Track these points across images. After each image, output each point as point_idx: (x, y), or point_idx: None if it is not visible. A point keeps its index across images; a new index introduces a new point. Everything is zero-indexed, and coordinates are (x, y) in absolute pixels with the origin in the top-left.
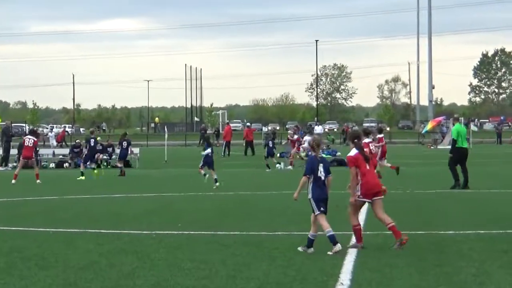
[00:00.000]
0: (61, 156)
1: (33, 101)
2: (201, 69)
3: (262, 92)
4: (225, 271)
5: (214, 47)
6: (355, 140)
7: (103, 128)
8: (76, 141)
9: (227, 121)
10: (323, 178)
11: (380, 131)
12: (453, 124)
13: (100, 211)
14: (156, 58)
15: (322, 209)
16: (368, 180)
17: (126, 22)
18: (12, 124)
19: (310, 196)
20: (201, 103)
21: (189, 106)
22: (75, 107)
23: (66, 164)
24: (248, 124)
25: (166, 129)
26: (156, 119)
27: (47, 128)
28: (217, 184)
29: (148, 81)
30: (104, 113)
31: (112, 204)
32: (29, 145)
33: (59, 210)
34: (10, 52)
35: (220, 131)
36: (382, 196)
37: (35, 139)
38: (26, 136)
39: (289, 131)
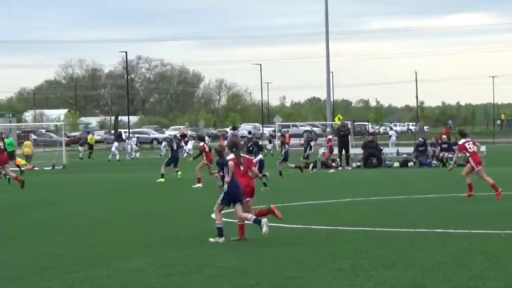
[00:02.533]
0: (405, 155)
1: (376, 99)
2: None
3: None
4: None
5: None
6: (233, 149)
7: (450, 125)
8: (420, 139)
9: None
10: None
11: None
12: None
13: (447, 211)
14: (503, 54)
15: (224, 202)
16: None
17: (471, 17)
18: (355, 123)
19: (224, 187)
20: None
21: None
22: (418, 104)
23: (410, 163)
24: None
25: None
26: (502, 116)
27: (390, 128)
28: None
29: (493, 77)
30: (448, 111)
31: (458, 204)
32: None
33: (401, 210)
34: (351, 49)
35: None
36: (250, 199)
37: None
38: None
39: None
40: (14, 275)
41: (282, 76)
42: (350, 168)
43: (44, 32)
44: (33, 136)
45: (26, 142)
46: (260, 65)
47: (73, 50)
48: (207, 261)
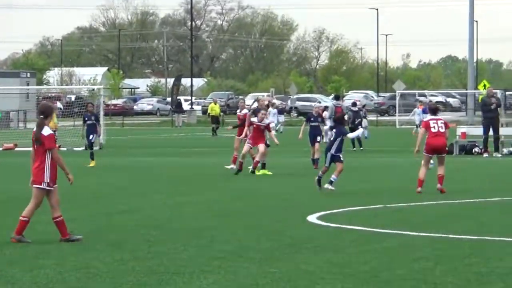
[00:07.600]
0: None
1: None
2: None
3: None
4: None
5: None
6: None
7: None
8: None
9: None
10: None
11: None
12: None
13: None
14: None
15: None
16: None
17: None
18: (507, 93)
19: None
20: None
21: None
22: None
23: None
24: None
25: None
26: None
27: None
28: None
29: None
30: None
31: None
32: None
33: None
34: None
35: None
36: None
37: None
38: None
39: None
40: None
41: (407, 26)
42: (500, 155)
43: None
44: (59, 105)
45: None
46: (377, 9)
47: None
48: None
